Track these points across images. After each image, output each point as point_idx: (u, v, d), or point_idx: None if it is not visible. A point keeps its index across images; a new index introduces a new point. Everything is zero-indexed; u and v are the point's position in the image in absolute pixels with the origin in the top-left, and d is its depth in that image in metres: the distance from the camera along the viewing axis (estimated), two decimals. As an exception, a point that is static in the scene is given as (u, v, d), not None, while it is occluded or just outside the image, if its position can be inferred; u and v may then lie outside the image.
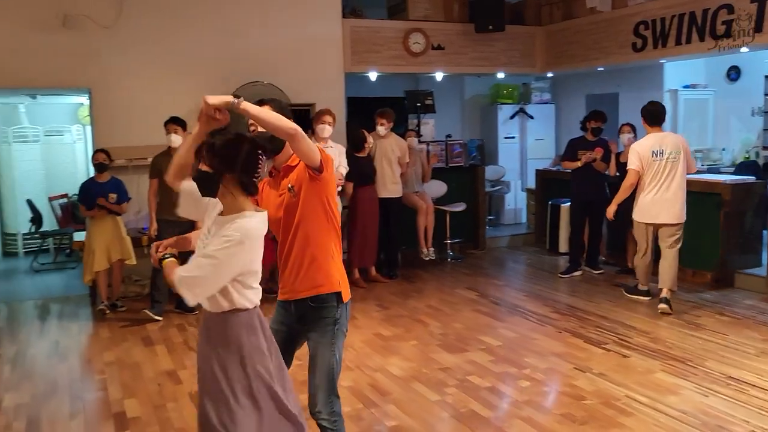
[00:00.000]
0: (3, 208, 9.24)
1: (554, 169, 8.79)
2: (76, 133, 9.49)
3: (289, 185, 2.69)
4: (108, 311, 6.22)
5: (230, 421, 2.34)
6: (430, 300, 6.48)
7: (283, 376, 2.51)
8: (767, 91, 8.69)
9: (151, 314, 5.96)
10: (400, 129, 8.03)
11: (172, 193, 6.42)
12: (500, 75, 9.38)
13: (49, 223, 8.75)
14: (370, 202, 6.98)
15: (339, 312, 2.77)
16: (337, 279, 2.77)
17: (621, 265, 7.27)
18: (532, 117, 10.20)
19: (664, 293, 5.80)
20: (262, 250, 2.43)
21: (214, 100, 2.38)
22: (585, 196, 7.08)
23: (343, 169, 6.40)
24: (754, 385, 4.19)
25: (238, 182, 2.34)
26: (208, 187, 2.36)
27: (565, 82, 10.32)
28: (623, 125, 6.89)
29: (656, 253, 6.02)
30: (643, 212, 5.86)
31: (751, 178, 6.83)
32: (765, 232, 6.88)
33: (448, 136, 8.81)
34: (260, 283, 2.49)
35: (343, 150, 6.53)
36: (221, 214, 2.41)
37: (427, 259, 7.78)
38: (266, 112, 2.50)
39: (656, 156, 5.71)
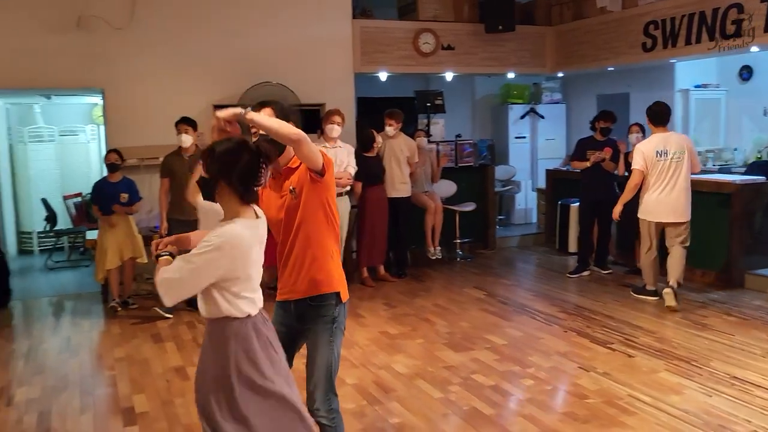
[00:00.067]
0: (19, 206, 9.38)
1: (564, 169, 8.79)
2: (90, 133, 9.62)
3: (291, 187, 2.74)
4: (119, 308, 6.32)
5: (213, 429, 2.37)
6: (437, 299, 6.52)
7: (288, 381, 2.51)
8: (780, 91, 8.64)
9: (161, 312, 6.05)
10: (410, 129, 8.06)
11: (183, 193, 6.52)
12: (510, 75, 9.39)
13: (64, 222, 8.88)
14: (378, 201, 7.03)
15: (337, 310, 2.82)
16: (337, 279, 2.82)
17: (630, 265, 7.26)
18: (542, 117, 10.21)
19: (671, 283, 5.89)
20: (256, 257, 2.41)
21: (223, 113, 2.51)
22: (594, 195, 7.08)
23: (352, 168, 6.45)
24: (759, 386, 4.19)
25: (233, 190, 2.35)
26: (207, 192, 2.41)
27: (576, 82, 10.31)
28: (632, 125, 6.91)
29: (663, 255, 6.04)
30: (648, 211, 5.92)
31: (761, 178, 6.78)
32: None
33: (458, 135, 8.83)
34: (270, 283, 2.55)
35: (352, 150, 6.58)
36: (222, 219, 2.45)
37: (434, 258, 7.82)
38: (272, 121, 2.59)
39: (660, 156, 5.75)
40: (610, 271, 7.30)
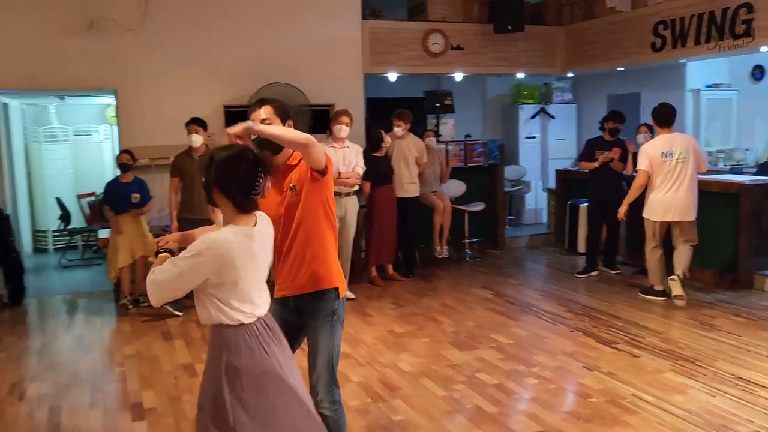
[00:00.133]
0: (34, 205, 9.52)
1: (574, 169, 8.78)
2: (104, 133, 9.74)
3: (291, 185, 2.80)
4: (131, 306, 6.40)
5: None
6: (445, 298, 6.55)
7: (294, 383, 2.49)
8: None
9: (171, 310, 6.12)
10: (419, 129, 8.09)
11: (193, 192, 6.60)
12: (520, 75, 9.40)
13: (77, 221, 9.00)
14: (387, 201, 7.07)
15: (337, 303, 2.89)
16: (336, 275, 2.89)
17: (639, 265, 7.24)
18: (553, 117, 10.20)
19: (677, 272, 5.98)
20: (247, 265, 2.36)
21: (233, 129, 2.56)
22: (602, 196, 7.08)
23: (360, 168, 6.49)
24: (763, 386, 4.19)
25: (229, 198, 2.36)
26: (207, 196, 2.44)
27: (587, 82, 10.29)
28: (640, 125, 6.92)
29: (668, 256, 6.11)
30: (654, 211, 5.98)
31: (770, 179, 6.77)
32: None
33: (467, 135, 8.85)
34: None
35: (360, 150, 6.62)
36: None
37: (441, 257, 7.85)
38: (279, 130, 2.70)
39: (666, 156, 5.81)
40: (618, 271, 7.30)
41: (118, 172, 6.57)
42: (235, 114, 6.92)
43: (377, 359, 4.90)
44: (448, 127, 8.82)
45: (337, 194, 6.40)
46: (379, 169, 6.94)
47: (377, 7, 8.44)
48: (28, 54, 6.72)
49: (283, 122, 2.85)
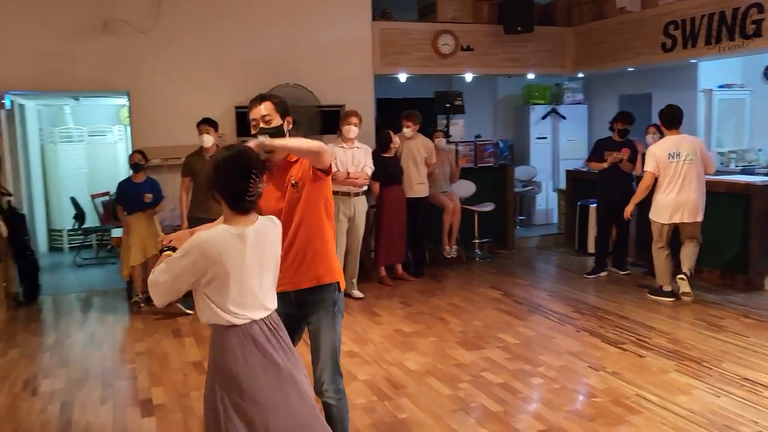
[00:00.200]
0: (49, 205, 9.65)
1: (585, 169, 8.78)
2: (118, 134, 9.86)
3: (293, 181, 2.86)
4: (143, 304, 6.49)
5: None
6: (453, 298, 6.58)
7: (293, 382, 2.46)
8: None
9: (182, 308, 6.20)
10: (429, 129, 8.12)
11: (204, 192, 6.67)
12: (530, 76, 9.41)
13: (92, 220, 9.12)
14: (396, 201, 7.11)
15: (337, 294, 2.97)
16: (337, 270, 2.98)
17: (648, 266, 7.18)
18: (564, 117, 10.19)
19: (684, 270, 6.09)
20: (238, 264, 2.34)
21: (253, 146, 2.58)
22: (611, 196, 7.08)
23: (369, 169, 6.54)
24: (768, 387, 4.20)
25: (223, 198, 2.38)
26: (213, 196, 2.47)
27: (598, 82, 10.28)
28: (649, 126, 6.92)
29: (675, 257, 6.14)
30: (661, 212, 6.04)
31: (782, 180, 6.74)
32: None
33: (478, 136, 8.87)
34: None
35: (369, 150, 6.66)
36: None
37: (449, 256, 7.88)
38: (291, 141, 2.79)
39: (673, 158, 5.87)
40: (628, 272, 7.30)
41: (131, 172, 6.66)
42: (246, 115, 6.97)
43: (384, 358, 4.95)
44: (458, 127, 8.85)
45: (346, 194, 6.47)
46: (388, 170, 6.98)
47: (387, 8, 8.48)
48: (44, 56, 6.84)
49: (283, 118, 2.91)
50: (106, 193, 9.22)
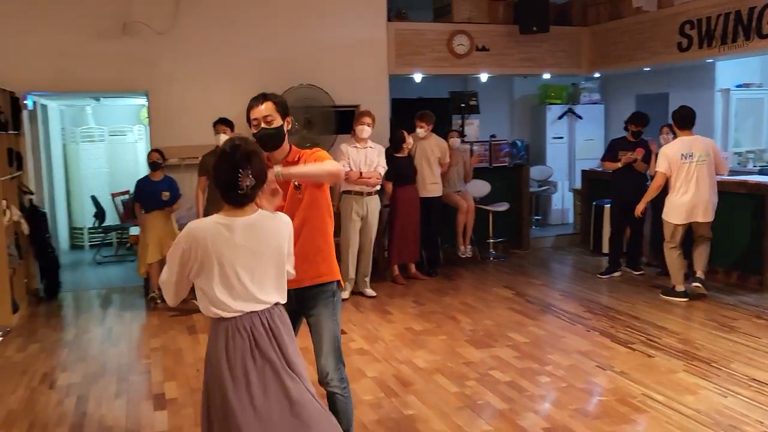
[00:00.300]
0: (71, 203, 9.84)
1: (600, 169, 8.75)
2: (138, 133, 10.02)
3: (296, 183, 2.92)
4: (159, 301, 6.60)
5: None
6: (466, 297, 6.61)
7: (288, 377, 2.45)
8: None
9: (198, 304, 6.28)
10: (445, 129, 8.15)
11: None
12: (546, 76, 9.40)
13: (112, 218, 9.28)
14: (410, 201, 7.15)
15: (336, 287, 3.07)
16: (337, 268, 3.07)
17: (662, 266, 7.17)
18: (580, 117, 10.17)
19: (699, 274, 6.15)
20: (226, 254, 2.37)
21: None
22: (625, 196, 7.05)
23: (382, 168, 6.59)
24: (777, 388, 4.18)
25: (218, 190, 2.45)
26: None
27: (615, 82, 10.24)
28: (662, 126, 6.90)
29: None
30: (676, 213, 6.05)
31: (799, 180, 6.69)
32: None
33: (493, 136, 8.89)
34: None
35: (383, 150, 6.72)
36: None
37: (464, 256, 7.91)
38: (309, 168, 2.85)
39: (685, 158, 5.92)
40: (642, 272, 7.28)
41: (149, 170, 6.78)
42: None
43: (394, 356, 5.00)
44: (473, 127, 8.87)
45: (359, 194, 6.53)
46: (401, 170, 7.03)
47: (402, 8, 8.53)
48: (65, 57, 6.99)
49: (283, 119, 2.96)
50: (126, 192, 9.37)
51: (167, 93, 7.34)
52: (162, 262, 6.68)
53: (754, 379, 4.32)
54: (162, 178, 6.68)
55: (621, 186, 7.14)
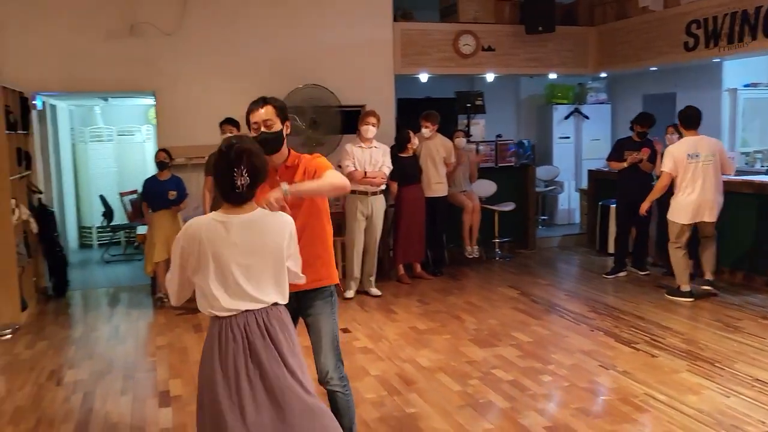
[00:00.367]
0: (80, 203, 9.92)
1: (606, 169, 8.74)
2: (146, 133, 10.09)
3: None
4: (166, 300, 6.64)
5: None
6: (470, 297, 6.63)
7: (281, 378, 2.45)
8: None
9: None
10: (451, 129, 8.17)
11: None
12: (552, 76, 9.39)
13: (120, 218, 9.35)
14: (415, 201, 7.17)
15: (333, 289, 3.10)
16: (335, 273, 3.10)
17: (668, 267, 7.17)
18: (587, 117, 10.16)
19: (708, 276, 6.26)
20: (222, 250, 2.38)
21: (273, 201, 2.63)
22: (631, 196, 7.05)
23: (387, 168, 6.62)
24: (780, 388, 4.18)
25: (216, 188, 2.49)
26: None
27: (622, 82, 10.22)
28: (668, 126, 6.90)
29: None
30: (682, 213, 6.05)
31: (806, 180, 6.67)
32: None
33: (498, 136, 8.89)
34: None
35: (387, 150, 6.75)
36: None
37: (471, 257, 7.92)
38: (316, 184, 2.86)
39: (692, 158, 5.93)
40: (647, 272, 7.27)
41: (157, 170, 6.83)
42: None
43: (397, 354, 5.02)
44: (479, 127, 8.88)
45: (364, 193, 6.56)
46: (406, 170, 7.05)
47: (408, 8, 8.55)
48: (73, 58, 7.06)
49: (282, 123, 2.99)
50: (134, 192, 9.44)
51: (174, 93, 7.39)
52: (168, 261, 6.72)
53: (758, 380, 4.31)
54: (169, 178, 6.73)
55: (627, 186, 7.13)
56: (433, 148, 7.33)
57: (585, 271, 7.73)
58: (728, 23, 7.11)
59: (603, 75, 9.82)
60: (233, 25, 7.54)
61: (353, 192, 6.56)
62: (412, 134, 7.12)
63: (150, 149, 10.04)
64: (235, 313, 2.42)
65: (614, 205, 7.93)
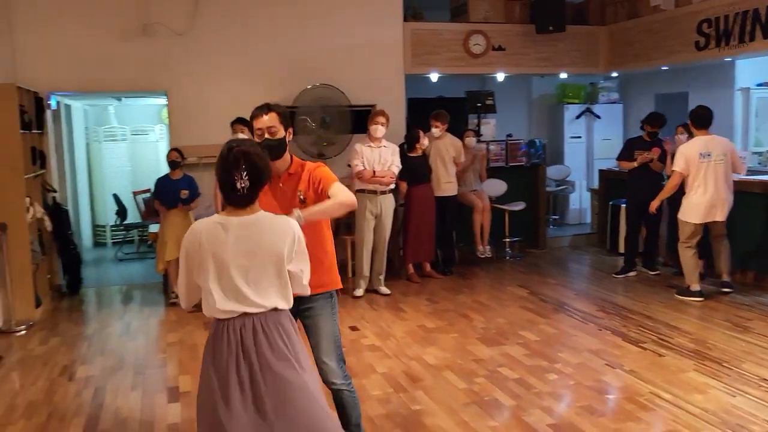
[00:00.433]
0: (94, 201, 10.04)
1: (617, 169, 8.72)
2: (159, 133, 10.19)
3: (301, 197, 3.00)
4: (177, 300, 6.72)
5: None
6: (479, 296, 6.65)
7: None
8: None
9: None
10: (461, 129, 8.18)
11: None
12: (563, 75, 9.38)
13: (133, 216, 9.45)
14: (425, 200, 7.20)
15: (334, 291, 3.14)
16: (337, 278, 3.14)
17: (678, 266, 7.14)
18: (598, 117, 10.13)
19: (725, 277, 6.29)
20: (221, 251, 2.39)
21: None
22: (641, 196, 7.03)
23: (395, 168, 6.65)
24: (787, 388, 4.17)
25: (219, 190, 2.51)
26: None
27: (634, 81, 10.18)
28: (678, 126, 6.87)
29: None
30: (694, 213, 6.06)
31: (819, 180, 6.63)
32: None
33: (509, 135, 8.89)
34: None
35: (397, 149, 6.78)
36: None
37: (483, 256, 7.93)
38: (325, 206, 2.93)
39: (704, 158, 5.94)
40: (658, 272, 7.25)
41: (169, 169, 6.91)
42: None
43: (405, 352, 5.06)
44: (489, 126, 8.89)
45: (372, 192, 6.60)
46: (415, 169, 7.08)
47: (418, 9, 8.58)
48: (87, 58, 7.16)
49: (285, 129, 3.03)
50: (147, 191, 9.53)
51: (186, 93, 7.47)
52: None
53: (765, 379, 4.30)
54: (181, 177, 6.79)
55: (637, 186, 7.12)
56: (443, 147, 7.35)
57: (595, 271, 7.72)
58: (740, 22, 7.07)
59: (614, 74, 9.79)
60: (244, 26, 7.61)
61: (362, 191, 6.60)
62: (421, 134, 7.14)
63: (163, 149, 10.11)
64: (232, 315, 2.41)
65: (625, 205, 7.91)
